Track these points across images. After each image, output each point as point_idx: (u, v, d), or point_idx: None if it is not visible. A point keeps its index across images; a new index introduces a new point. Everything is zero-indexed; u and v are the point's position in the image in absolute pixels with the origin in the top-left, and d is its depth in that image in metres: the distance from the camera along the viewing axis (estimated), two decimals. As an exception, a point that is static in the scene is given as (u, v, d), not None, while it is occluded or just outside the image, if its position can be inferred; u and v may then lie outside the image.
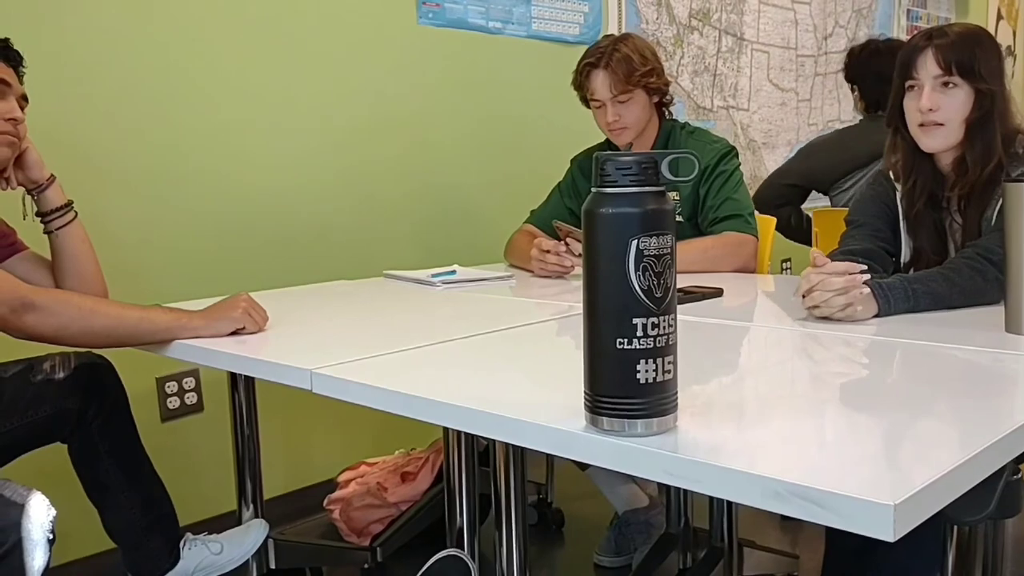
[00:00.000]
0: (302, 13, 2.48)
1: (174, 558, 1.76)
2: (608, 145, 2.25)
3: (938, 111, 1.50)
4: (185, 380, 2.31)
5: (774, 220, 2.41)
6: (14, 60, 1.57)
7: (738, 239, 2.06)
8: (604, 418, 0.81)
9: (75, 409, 1.68)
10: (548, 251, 2.01)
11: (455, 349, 1.28)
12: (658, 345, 0.79)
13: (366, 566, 2.10)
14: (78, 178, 1.76)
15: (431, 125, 2.81)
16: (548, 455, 2.51)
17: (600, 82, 2.11)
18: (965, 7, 5.43)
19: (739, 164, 2.16)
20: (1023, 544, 2.04)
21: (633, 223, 0.78)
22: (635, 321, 0.78)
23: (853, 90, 2.81)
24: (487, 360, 1.25)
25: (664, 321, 0.79)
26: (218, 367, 1.40)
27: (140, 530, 1.73)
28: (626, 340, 0.78)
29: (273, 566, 1.92)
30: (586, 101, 2.20)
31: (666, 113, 2.24)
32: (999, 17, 5.71)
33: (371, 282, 2.12)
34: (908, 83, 1.54)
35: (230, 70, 2.35)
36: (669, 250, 0.79)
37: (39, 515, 1.28)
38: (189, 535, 1.81)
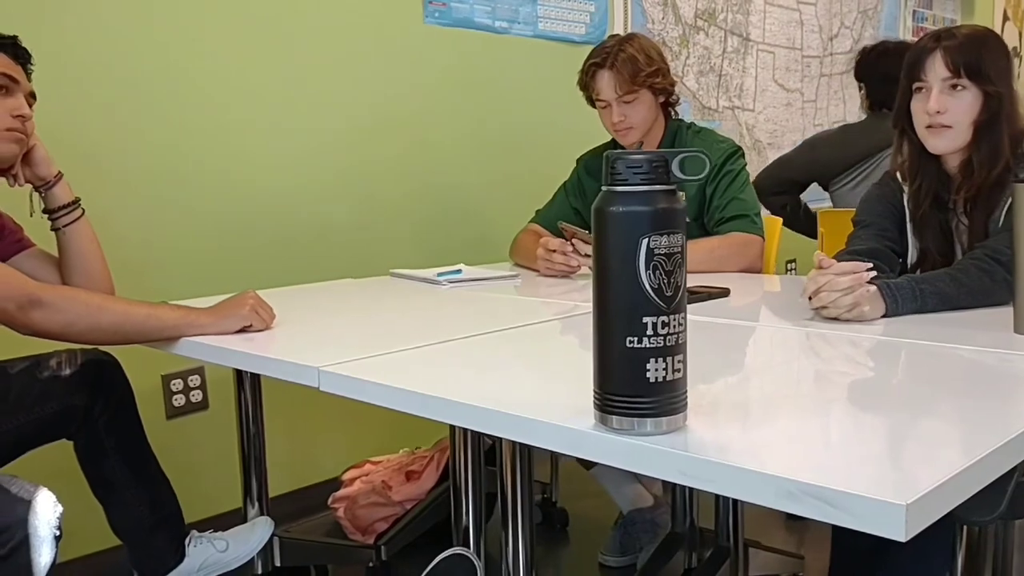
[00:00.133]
0: (307, 12, 2.48)
1: (179, 555, 1.76)
2: (614, 145, 2.24)
3: (946, 113, 1.50)
4: (190, 378, 2.31)
5: (780, 220, 2.41)
6: (22, 57, 1.57)
7: (744, 239, 2.05)
8: (614, 417, 0.81)
9: (81, 406, 1.68)
10: (554, 250, 2.01)
11: (461, 348, 1.28)
12: (668, 344, 0.79)
13: (371, 564, 2.10)
14: (82, 178, 1.76)
15: (436, 124, 2.81)
16: (552, 455, 2.51)
17: (606, 82, 2.11)
18: (971, 8, 5.42)
19: (745, 164, 2.16)
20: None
21: (644, 222, 0.78)
22: (645, 320, 0.78)
23: (860, 88, 2.82)
24: (494, 359, 1.25)
25: (674, 320, 0.79)
26: (225, 364, 1.40)
27: (146, 527, 1.74)
28: (636, 339, 0.78)
29: (278, 564, 1.92)
30: (592, 101, 2.19)
31: (672, 113, 2.23)
32: (1005, 18, 5.70)
33: (377, 281, 2.12)
34: (916, 85, 1.54)
35: (235, 70, 2.35)
36: (680, 249, 0.79)
37: (46, 511, 1.28)
38: (195, 532, 1.81)
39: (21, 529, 1.25)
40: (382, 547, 2.10)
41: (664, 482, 2.32)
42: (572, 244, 2.00)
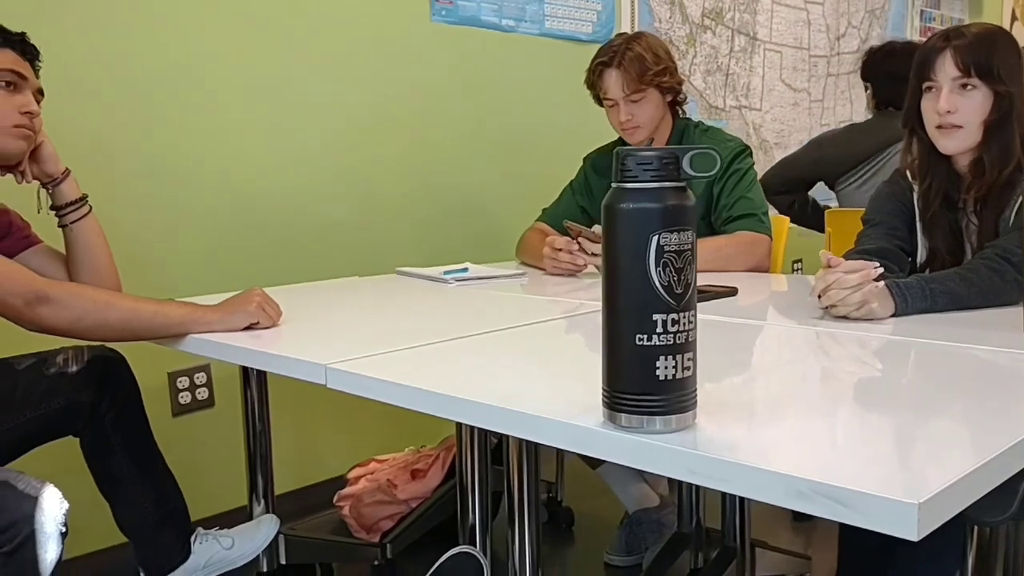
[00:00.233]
0: (313, 10, 2.48)
1: (185, 552, 1.76)
2: (621, 144, 2.24)
3: (956, 113, 1.49)
4: (196, 375, 2.31)
5: (787, 220, 2.40)
6: (31, 54, 1.57)
7: (752, 238, 2.05)
8: (623, 414, 0.80)
9: (88, 402, 1.68)
10: (560, 249, 2.01)
11: (468, 346, 1.28)
12: (678, 341, 0.78)
13: (376, 563, 2.10)
14: (88, 177, 1.76)
15: (442, 122, 2.81)
16: (558, 454, 2.51)
17: (613, 81, 2.10)
18: (979, 8, 5.40)
19: (753, 163, 2.15)
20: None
21: (654, 219, 0.77)
22: (655, 317, 0.78)
23: (867, 88, 2.81)
24: (500, 357, 1.24)
25: (684, 317, 0.78)
26: (232, 361, 1.40)
27: (152, 524, 1.74)
28: (646, 336, 0.78)
29: (283, 562, 1.92)
30: (599, 100, 2.19)
31: (679, 112, 2.23)
32: (1013, 18, 5.67)
33: (383, 279, 2.12)
34: (926, 84, 1.53)
35: (240, 68, 2.35)
36: (690, 246, 0.79)
37: (52, 508, 1.28)
38: (200, 530, 1.82)
39: (27, 525, 1.25)
40: (387, 545, 2.10)
41: (670, 482, 2.31)
42: (578, 243, 1.99)
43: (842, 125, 4.28)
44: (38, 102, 1.58)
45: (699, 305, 0.81)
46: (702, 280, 1.70)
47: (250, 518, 1.92)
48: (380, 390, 1.07)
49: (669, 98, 2.17)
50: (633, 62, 2.07)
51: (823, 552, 2.12)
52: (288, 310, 1.49)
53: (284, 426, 2.37)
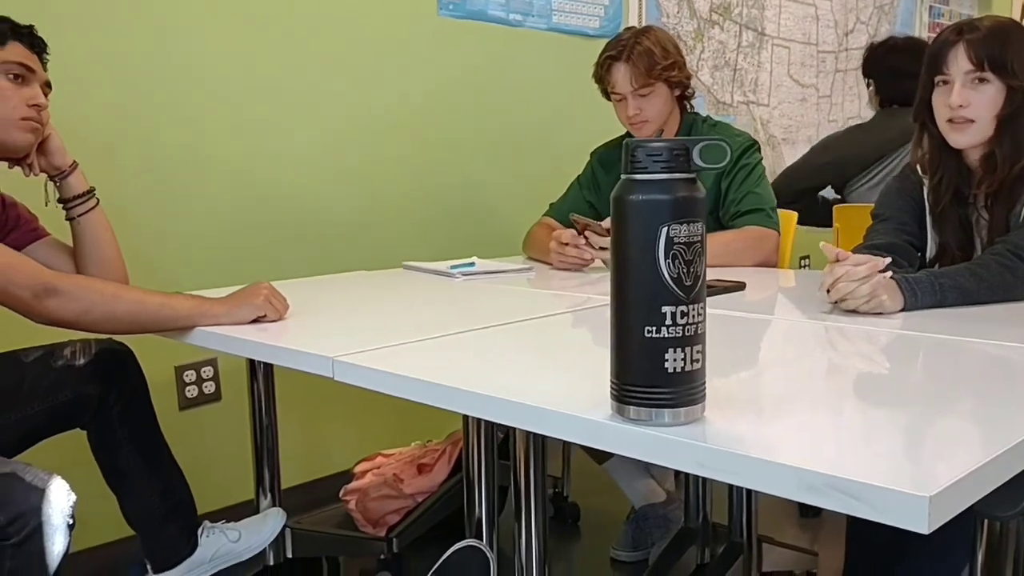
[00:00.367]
0: (321, 5, 2.48)
1: (192, 545, 1.76)
2: (629, 139, 2.23)
3: (968, 107, 1.48)
4: (203, 369, 2.32)
5: (795, 215, 2.39)
6: (38, 47, 1.57)
7: (760, 233, 2.04)
8: (631, 407, 0.80)
9: (95, 395, 1.68)
10: (567, 244, 2.00)
11: (475, 339, 1.28)
12: (687, 334, 0.78)
13: (382, 556, 2.10)
14: (96, 170, 1.76)
15: (449, 117, 2.81)
16: (564, 449, 2.50)
17: (621, 75, 2.10)
18: (988, 3, 5.37)
19: (761, 158, 2.14)
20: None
21: (664, 210, 0.77)
22: (664, 309, 0.77)
23: (868, 85, 2.79)
24: (507, 351, 1.24)
25: (693, 310, 0.78)
26: (239, 354, 1.39)
27: (158, 517, 1.74)
28: (655, 328, 0.77)
29: (290, 555, 1.92)
30: (607, 94, 2.18)
31: (688, 106, 2.22)
32: (1023, 14, 5.64)
33: (390, 273, 2.12)
34: (938, 78, 1.52)
35: (248, 64, 2.35)
36: (699, 238, 0.78)
37: (59, 500, 1.28)
38: (207, 523, 1.82)
39: (35, 517, 1.25)
40: (394, 539, 2.10)
41: (677, 477, 2.31)
42: (585, 237, 1.99)
43: (848, 124, 4.28)
44: (46, 95, 1.59)
45: (707, 299, 0.81)
46: (710, 275, 1.69)
47: (257, 511, 1.92)
48: (387, 383, 1.07)
49: (677, 93, 2.16)
50: (642, 56, 2.07)
51: (830, 548, 2.11)
52: (295, 304, 1.49)
53: (291, 420, 2.37)
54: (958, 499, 0.67)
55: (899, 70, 2.63)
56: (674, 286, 0.77)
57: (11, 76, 1.51)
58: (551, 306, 1.65)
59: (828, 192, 2.87)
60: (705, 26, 3.63)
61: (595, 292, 1.71)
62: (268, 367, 1.88)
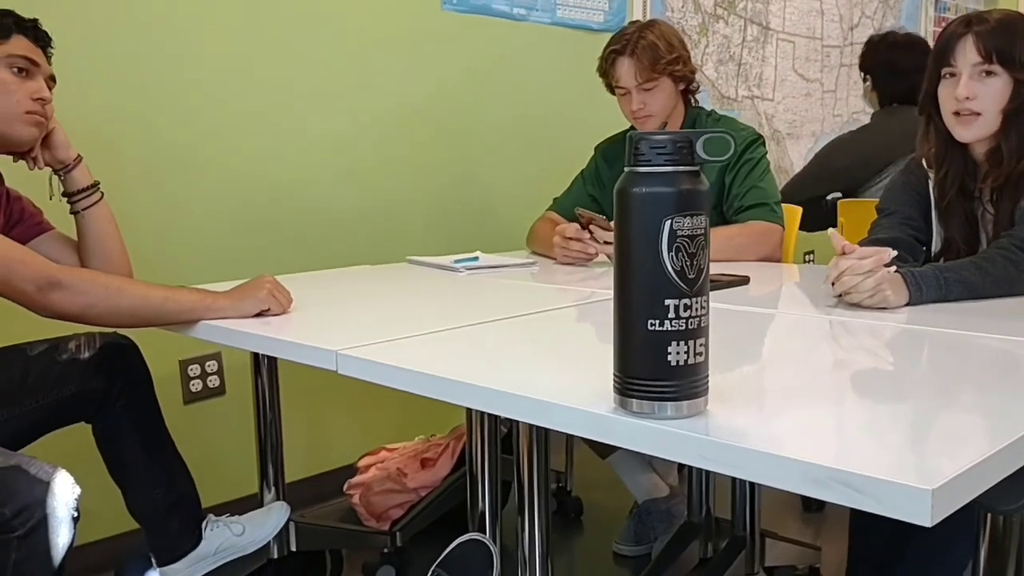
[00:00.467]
0: (324, 1, 2.48)
1: (196, 538, 1.77)
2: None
3: (975, 100, 1.47)
4: (208, 363, 2.32)
5: (800, 210, 2.38)
6: (43, 40, 1.57)
7: (764, 228, 2.04)
8: (634, 400, 0.80)
9: (100, 389, 1.69)
10: (571, 238, 2.00)
11: (479, 333, 1.28)
12: (690, 327, 0.78)
13: (386, 550, 2.11)
14: (100, 166, 1.76)
15: (453, 111, 2.80)
16: (568, 443, 2.51)
17: (625, 69, 2.09)
18: (994, -1, 5.35)
19: (766, 152, 2.14)
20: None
21: (667, 203, 0.77)
22: (667, 302, 0.77)
23: (865, 80, 2.76)
24: (511, 344, 1.24)
25: (696, 303, 0.78)
26: (243, 348, 1.40)
27: (163, 510, 1.74)
28: (658, 321, 0.77)
29: (293, 548, 1.92)
30: (611, 88, 2.18)
31: (692, 101, 2.22)
32: (1029, 8, 5.62)
33: (394, 267, 2.12)
34: (945, 70, 1.51)
35: (252, 59, 2.35)
36: (703, 231, 0.78)
37: (64, 493, 1.29)
38: (211, 516, 1.82)
39: (40, 510, 1.26)
40: (397, 533, 2.11)
41: (680, 472, 2.31)
42: (589, 231, 1.99)
43: (855, 119, 4.27)
44: (50, 88, 1.59)
45: (711, 293, 0.81)
46: (714, 269, 1.69)
47: (261, 505, 1.93)
48: (391, 376, 1.07)
49: (682, 87, 2.16)
50: (646, 50, 2.06)
51: (833, 542, 2.11)
52: (299, 298, 1.50)
53: (295, 415, 2.38)
54: (961, 492, 0.67)
55: (896, 67, 2.62)
56: (677, 279, 0.77)
57: (15, 69, 1.51)
58: (555, 300, 1.65)
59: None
60: (709, 20, 3.62)
61: (599, 286, 1.70)
62: (272, 361, 1.89)
